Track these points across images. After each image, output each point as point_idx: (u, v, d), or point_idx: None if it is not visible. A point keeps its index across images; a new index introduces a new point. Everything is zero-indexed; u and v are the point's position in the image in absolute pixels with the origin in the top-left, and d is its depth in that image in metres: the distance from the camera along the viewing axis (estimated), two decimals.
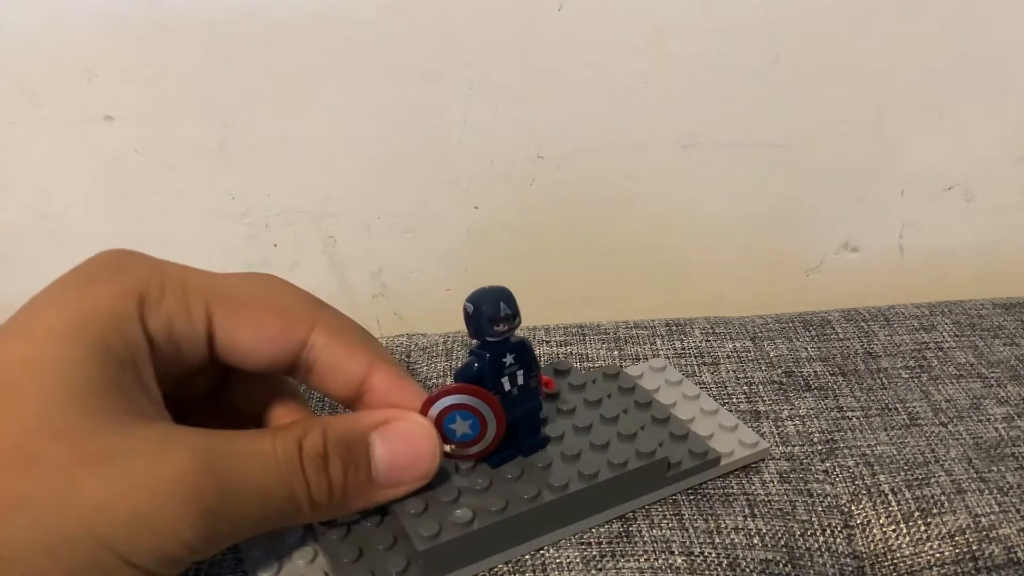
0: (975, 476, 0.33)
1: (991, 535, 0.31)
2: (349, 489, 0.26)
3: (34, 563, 0.22)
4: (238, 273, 0.30)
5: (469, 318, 0.27)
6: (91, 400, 0.23)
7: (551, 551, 0.29)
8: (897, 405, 0.37)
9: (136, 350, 0.25)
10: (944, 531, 0.31)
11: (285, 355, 0.28)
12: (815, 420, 0.36)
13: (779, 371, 0.39)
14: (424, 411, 0.28)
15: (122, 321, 0.25)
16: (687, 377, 0.37)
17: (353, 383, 0.29)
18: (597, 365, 0.39)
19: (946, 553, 0.31)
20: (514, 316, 0.27)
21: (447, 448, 0.28)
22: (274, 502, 0.25)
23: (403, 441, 0.27)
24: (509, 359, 0.28)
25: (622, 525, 0.30)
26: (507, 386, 0.28)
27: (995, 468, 0.33)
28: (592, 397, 0.32)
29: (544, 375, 0.31)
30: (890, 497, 0.32)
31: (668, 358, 0.39)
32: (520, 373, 0.29)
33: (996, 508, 0.31)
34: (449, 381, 0.35)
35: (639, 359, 0.39)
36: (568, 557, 0.29)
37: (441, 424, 0.28)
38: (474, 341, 0.28)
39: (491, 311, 0.27)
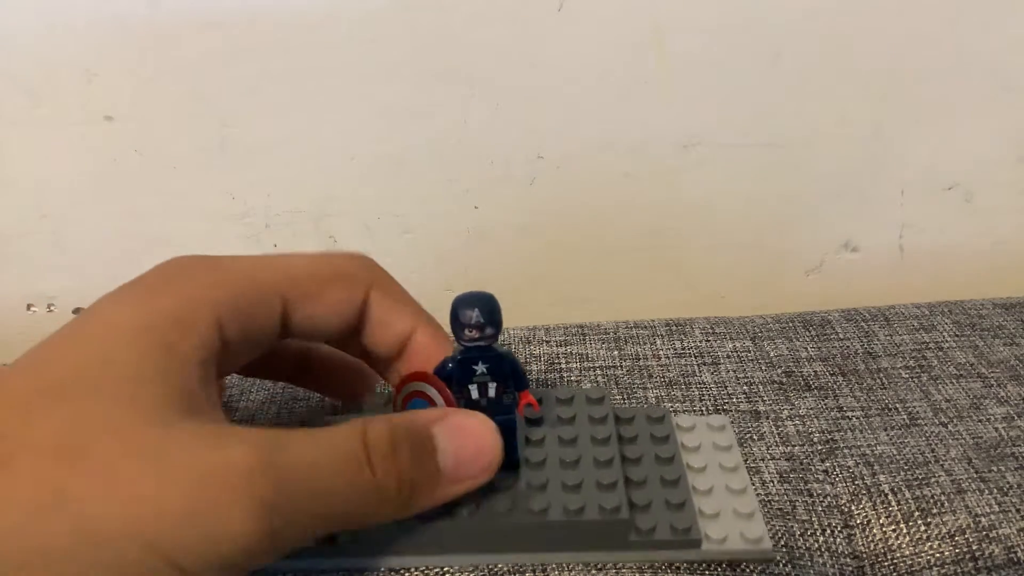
0: (975, 476, 0.33)
1: (991, 535, 0.31)
2: (418, 482, 0.25)
3: (76, 564, 0.20)
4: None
5: (450, 316, 0.28)
6: (144, 397, 0.22)
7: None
8: (897, 405, 0.37)
9: (201, 353, 0.24)
10: (944, 531, 0.31)
11: (353, 319, 0.29)
12: (815, 420, 0.36)
13: (779, 371, 0.39)
14: (396, 391, 0.29)
15: (187, 327, 0.24)
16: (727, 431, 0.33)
17: (400, 339, 0.30)
18: (597, 365, 0.39)
19: (946, 553, 0.31)
20: (485, 326, 0.27)
21: None
22: (339, 497, 0.24)
23: (465, 433, 0.27)
24: (481, 368, 0.28)
25: None
26: (474, 394, 0.28)
27: (995, 468, 0.33)
28: (602, 435, 0.30)
29: (532, 396, 0.29)
30: (890, 497, 0.32)
31: (668, 358, 0.39)
32: (492, 386, 0.28)
33: (996, 508, 0.31)
34: None
35: (639, 359, 0.39)
36: (567, 558, 0.29)
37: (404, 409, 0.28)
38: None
39: (463, 315, 0.27)
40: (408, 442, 0.25)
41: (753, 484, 0.32)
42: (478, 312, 0.27)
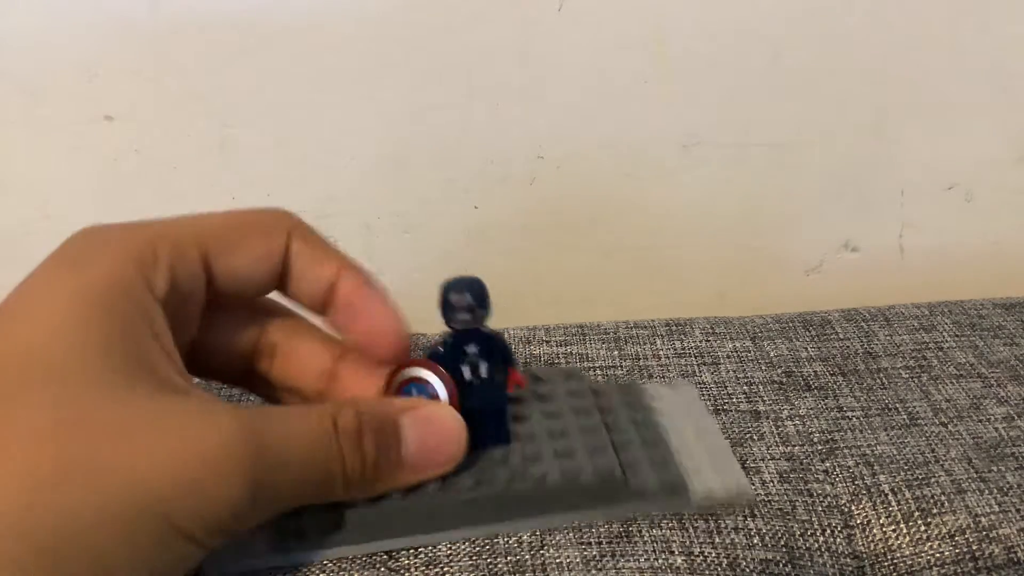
0: (975, 476, 0.33)
1: (991, 535, 0.31)
2: (380, 467, 0.26)
3: (97, 533, 0.21)
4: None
5: (439, 302, 0.28)
6: (120, 376, 0.23)
7: (551, 551, 0.29)
8: (897, 405, 0.37)
9: (151, 315, 0.25)
10: (944, 531, 0.31)
11: (275, 269, 0.29)
12: (815, 420, 0.36)
13: (779, 371, 0.39)
14: (388, 381, 0.29)
15: (128, 289, 0.25)
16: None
17: (324, 287, 0.29)
18: (597, 365, 0.39)
19: (946, 553, 0.31)
20: (476, 308, 0.28)
21: None
22: (312, 474, 0.25)
23: (432, 424, 0.28)
24: (472, 348, 0.29)
25: (622, 525, 0.30)
26: (467, 375, 0.29)
27: (995, 468, 0.33)
28: (583, 406, 0.32)
29: (518, 373, 0.30)
30: (890, 497, 0.32)
31: (668, 358, 0.39)
32: (484, 365, 0.29)
33: (996, 508, 0.31)
34: None
35: (639, 359, 0.39)
36: (568, 557, 0.29)
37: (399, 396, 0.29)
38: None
39: (454, 300, 0.28)
40: (374, 429, 0.26)
41: (753, 484, 0.32)
42: (469, 295, 0.28)
